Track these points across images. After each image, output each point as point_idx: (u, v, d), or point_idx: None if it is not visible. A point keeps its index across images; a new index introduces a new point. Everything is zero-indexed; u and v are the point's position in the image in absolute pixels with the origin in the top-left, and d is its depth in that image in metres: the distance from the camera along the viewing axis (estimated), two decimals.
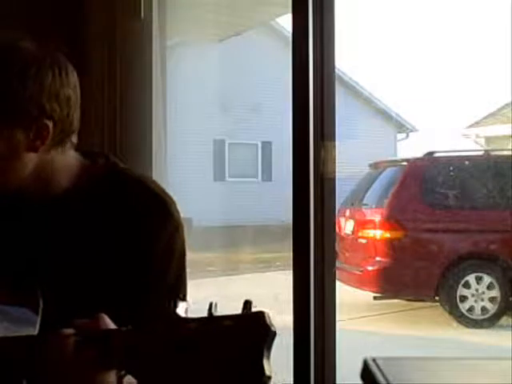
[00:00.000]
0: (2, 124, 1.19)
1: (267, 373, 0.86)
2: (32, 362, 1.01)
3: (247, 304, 0.89)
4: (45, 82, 1.20)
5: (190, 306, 0.94)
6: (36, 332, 1.09)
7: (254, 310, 0.89)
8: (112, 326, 1.02)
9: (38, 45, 1.24)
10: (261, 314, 0.87)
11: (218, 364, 0.87)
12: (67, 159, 1.29)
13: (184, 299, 0.94)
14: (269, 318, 0.87)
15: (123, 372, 0.97)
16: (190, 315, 0.93)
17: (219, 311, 0.90)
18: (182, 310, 0.92)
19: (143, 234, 1.27)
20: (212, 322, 0.89)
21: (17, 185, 1.25)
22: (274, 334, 0.87)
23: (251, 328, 0.87)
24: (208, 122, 7.97)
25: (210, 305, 0.90)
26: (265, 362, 0.86)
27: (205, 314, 0.91)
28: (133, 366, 0.92)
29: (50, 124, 1.21)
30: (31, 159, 1.23)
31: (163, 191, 1.34)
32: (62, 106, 1.22)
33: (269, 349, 0.87)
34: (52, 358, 0.99)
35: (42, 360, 1.00)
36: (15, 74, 1.18)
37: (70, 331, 0.98)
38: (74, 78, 1.26)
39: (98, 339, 0.96)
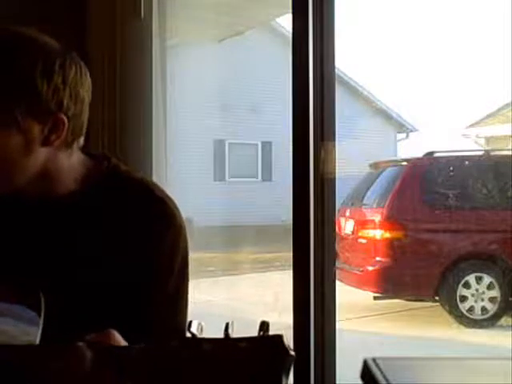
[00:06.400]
0: (24, 116, 1.17)
1: None
2: (42, 373, 0.97)
3: (264, 325, 0.85)
4: (67, 77, 1.20)
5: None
6: (39, 332, 1.07)
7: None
8: (122, 341, 1.00)
9: (57, 41, 1.24)
10: (279, 338, 0.83)
11: None
12: (73, 161, 1.29)
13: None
14: (287, 341, 0.83)
15: None
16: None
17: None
18: (196, 329, 0.88)
19: (146, 236, 1.26)
20: (228, 344, 0.84)
21: (24, 182, 1.24)
22: (293, 358, 0.82)
23: (269, 352, 0.82)
24: (208, 121, 7.96)
25: (227, 325, 0.85)
26: None
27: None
28: None
29: (66, 120, 1.21)
30: (42, 156, 1.22)
31: (165, 194, 1.34)
32: (77, 104, 1.22)
33: (287, 374, 0.82)
34: (66, 373, 0.96)
35: (54, 373, 0.97)
36: (42, 65, 1.17)
37: (86, 346, 0.93)
38: (88, 80, 1.26)
39: (113, 356, 0.91)
